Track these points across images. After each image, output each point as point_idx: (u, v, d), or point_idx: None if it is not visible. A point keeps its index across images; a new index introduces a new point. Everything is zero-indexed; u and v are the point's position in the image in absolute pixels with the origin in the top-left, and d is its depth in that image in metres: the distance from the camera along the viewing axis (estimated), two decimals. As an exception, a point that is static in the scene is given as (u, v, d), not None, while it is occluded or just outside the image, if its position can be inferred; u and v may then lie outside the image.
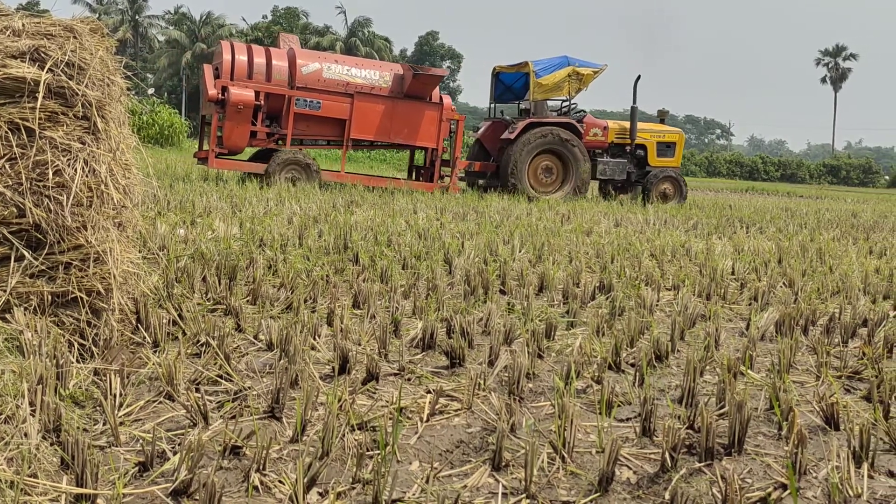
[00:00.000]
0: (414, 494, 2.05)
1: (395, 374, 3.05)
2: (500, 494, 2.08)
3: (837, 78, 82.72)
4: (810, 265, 6.45)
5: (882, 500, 2.17)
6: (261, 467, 2.10)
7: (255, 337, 3.42)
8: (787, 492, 2.15)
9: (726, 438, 2.47)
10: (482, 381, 2.92)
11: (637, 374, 3.18)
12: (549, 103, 14.41)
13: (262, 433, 2.32)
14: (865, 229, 10.76)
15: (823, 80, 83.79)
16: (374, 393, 2.82)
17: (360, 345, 3.38)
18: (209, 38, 71.32)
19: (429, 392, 2.82)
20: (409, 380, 3.01)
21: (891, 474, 2.35)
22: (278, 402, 2.55)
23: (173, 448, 2.24)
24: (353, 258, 5.45)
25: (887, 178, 69.27)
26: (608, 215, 10.24)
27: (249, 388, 2.76)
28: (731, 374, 3.15)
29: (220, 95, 11.48)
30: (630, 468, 2.30)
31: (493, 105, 15.46)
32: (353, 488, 2.06)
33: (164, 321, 3.34)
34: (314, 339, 3.38)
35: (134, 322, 3.28)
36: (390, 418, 2.52)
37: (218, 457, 2.20)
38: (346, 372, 3.01)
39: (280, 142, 12.30)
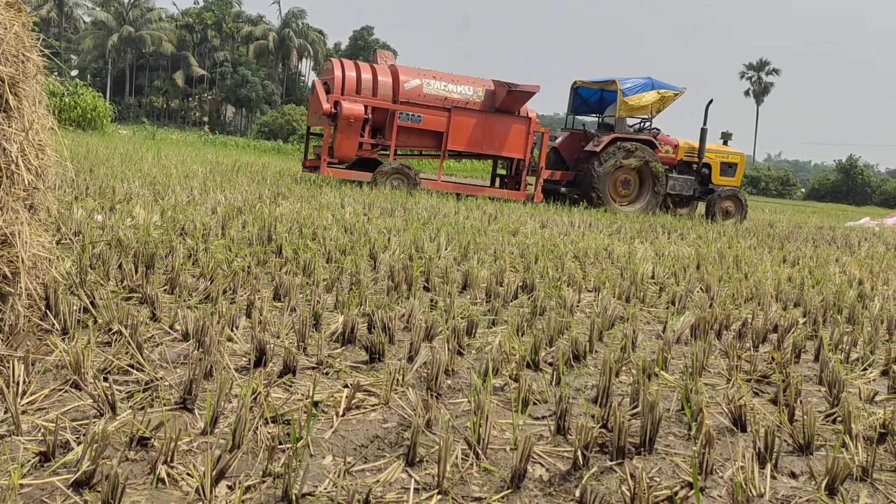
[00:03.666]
0: (325, 489, 2.03)
1: (313, 368, 3.02)
2: (412, 490, 2.07)
3: (760, 91, 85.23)
4: (727, 272, 6.63)
5: (783, 500, 2.24)
6: (169, 459, 2.05)
7: (171, 327, 3.34)
8: (693, 491, 2.19)
9: (638, 438, 2.51)
10: (400, 377, 2.91)
11: (555, 373, 3.21)
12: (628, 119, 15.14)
13: (172, 424, 2.27)
14: (780, 239, 11.11)
15: (747, 94, 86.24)
16: (291, 386, 2.78)
17: (278, 337, 3.33)
18: (137, 21, 69.65)
19: (346, 386, 2.80)
20: (326, 374, 2.98)
21: (793, 475, 2.43)
22: (191, 394, 2.49)
23: (77, 438, 2.16)
24: (277, 250, 5.38)
25: (803, 190, 71.87)
26: (534, 216, 10.34)
27: (162, 378, 2.69)
28: (646, 375, 3.22)
29: (333, 109, 12.47)
30: (543, 465, 2.32)
31: (570, 116, 16.08)
32: (264, 482, 2.03)
33: (76, 308, 3.23)
34: (232, 330, 3.32)
35: (43, 308, 3.17)
36: (305, 412, 2.49)
37: (124, 448, 2.13)
38: (262, 364, 2.96)
39: (383, 152, 13.25)
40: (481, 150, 13.62)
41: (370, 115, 12.74)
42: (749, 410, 2.88)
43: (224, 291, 4.02)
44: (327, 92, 12.80)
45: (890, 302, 5.71)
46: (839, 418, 2.91)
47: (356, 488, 1.96)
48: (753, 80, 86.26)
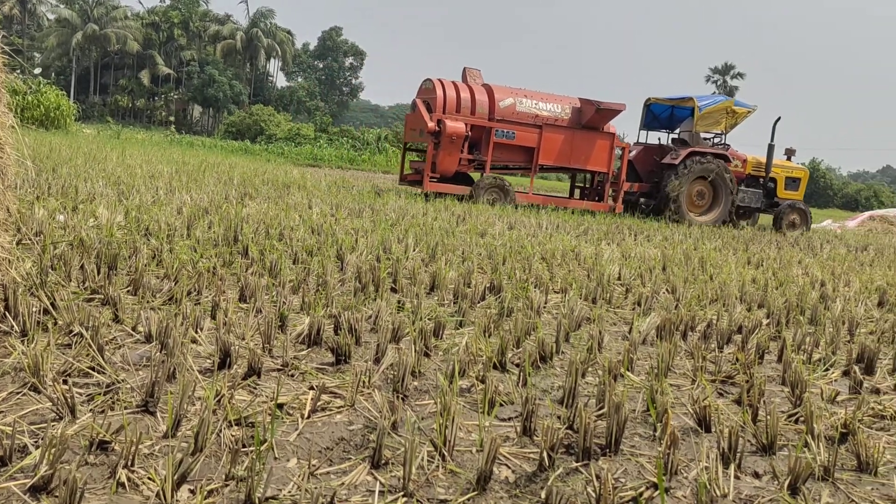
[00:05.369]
0: (289, 492, 2.01)
1: (279, 370, 2.99)
2: (377, 492, 2.06)
3: (725, 95, 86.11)
4: (692, 273, 6.68)
5: (747, 500, 2.26)
6: (129, 463, 2.02)
7: (134, 328, 3.29)
8: (657, 491, 2.20)
9: (604, 439, 2.52)
10: (367, 379, 2.89)
11: (521, 374, 3.21)
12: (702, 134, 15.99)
13: (133, 428, 2.23)
14: (745, 241, 11.23)
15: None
16: (255, 388, 2.75)
17: (243, 339, 3.30)
18: (102, 18, 68.76)
19: (312, 388, 2.78)
20: (292, 375, 2.95)
21: (756, 475, 2.44)
22: (153, 396, 2.46)
23: (35, 442, 2.12)
24: (243, 251, 5.33)
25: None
26: (502, 218, 10.36)
27: (123, 380, 2.65)
28: (612, 376, 3.23)
29: (437, 127, 13.26)
30: (509, 467, 2.32)
31: (644, 131, 16.77)
32: (227, 485, 2.00)
33: (35, 310, 3.17)
34: (196, 332, 3.28)
35: (1, 309, 3.11)
36: (270, 414, 2.46)
37: (84, 452, 2.09)
38: (227, 366, 2.93)
39: (479, 167, 14.06)
40: (569, 164, 14.42)
41: (469, 133, 13.47)
42: (714, 411, 2.90)
43: (189, 293, 3.97)
44: (429, 110, 13.53)
45: (851, 303, 5.79)
46: (801, 418, 2.94)
47: (320, 491, 1.94)
48: (719, 83, 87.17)
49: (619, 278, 6.07)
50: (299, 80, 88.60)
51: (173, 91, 76.20)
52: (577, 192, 16.36)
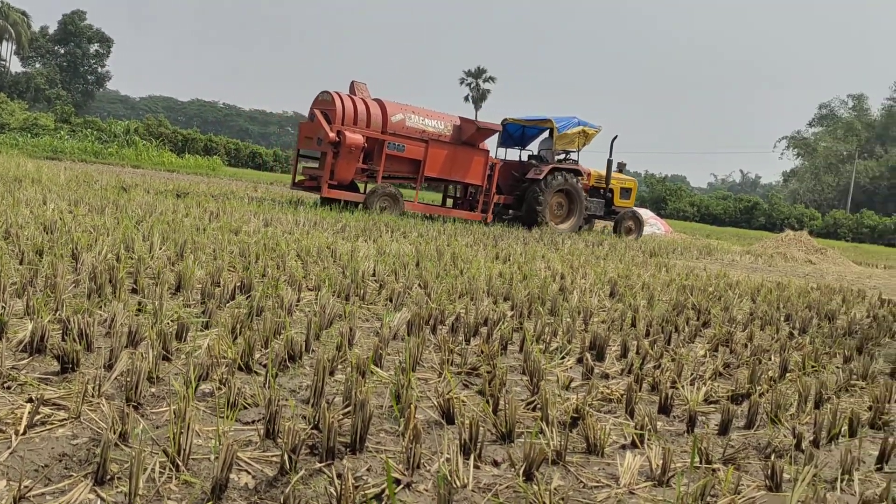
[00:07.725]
0: (-6, 519, 1.80)
1: (-8, 382, 2.69)
2: (98, 511, 1.89)
3: (478, 97, 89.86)
4: (444, 268, 6.87)
5: (486, 489, 2.32)
6: None
7: None
8: (400, 486, 2.21)
9: (349, 437, 2.49)
10: (96, 387, 2.67)
11: (268, 375, 3.12)
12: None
13: None
14: (494, 237, 11.75)
15: (466, 99, 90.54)
16: (-39, 404, 2.45)
17: (-50, 349, 2.94)
18: None
19: (30, 401, 2.52)
20: (8, 388, 2.67)
21: (495, 463, 2.53)
22: None
23: None
24: (-42, 251, 4.78)
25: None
26: (258, 215, 10.11)
27: None
28: (360, 372, 3.22)
29: (336, 138, 13.81)
30: (249, 472, 2.23)
31: (502, 149, 18.22)
32: (-85, 518, 1.76)
33: None
34: None
35: None
36: (-25, 433, 2.20)
37: None
38: (-73, 381, 2.59)
39: (371, 176, 14.93)
40: (450, 176, 15.57)
41: (365, 144, 14.17)
42: (458, 403, 2.96)
43: None
44: (329, 122, 14.12)
45: (587, 294, 6.21)
46: (538, 406, 3.09)
47: (30, 516, 1.76)
48: (472, 86, 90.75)
49: (373, 274, 6.11)
50: (37, 66, 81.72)
51: None
52: (448, 201, 17.61)
